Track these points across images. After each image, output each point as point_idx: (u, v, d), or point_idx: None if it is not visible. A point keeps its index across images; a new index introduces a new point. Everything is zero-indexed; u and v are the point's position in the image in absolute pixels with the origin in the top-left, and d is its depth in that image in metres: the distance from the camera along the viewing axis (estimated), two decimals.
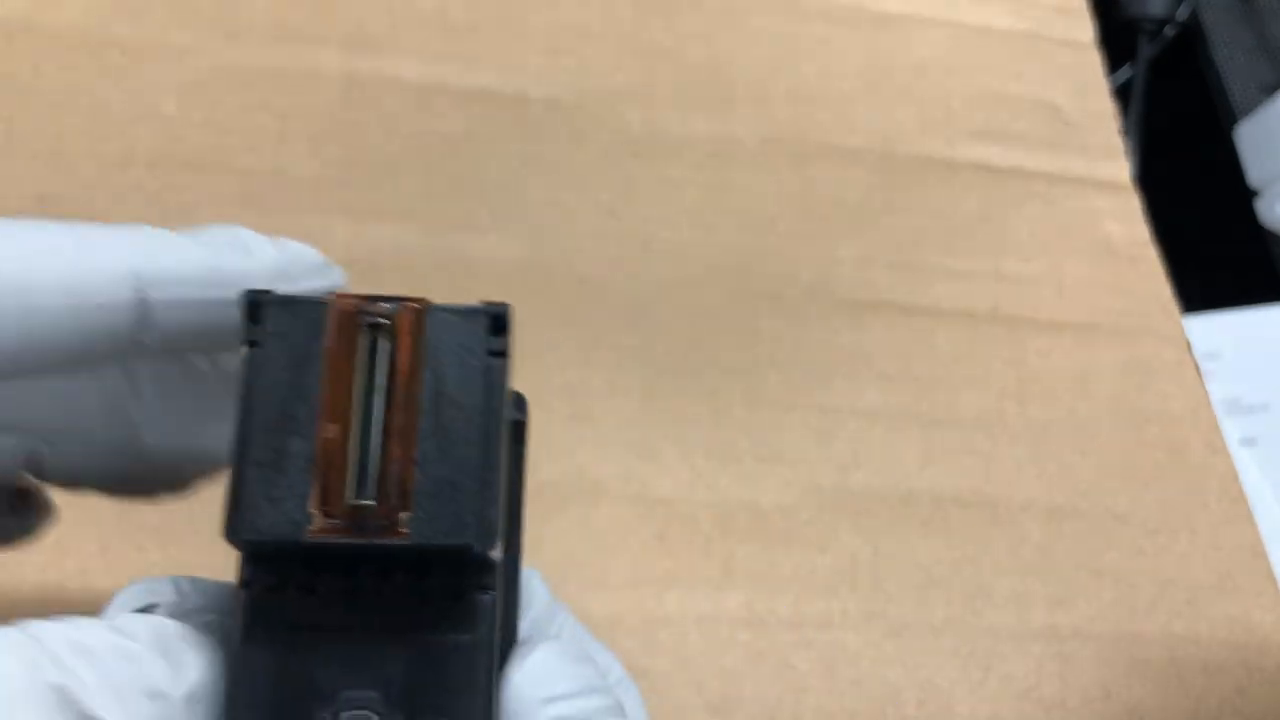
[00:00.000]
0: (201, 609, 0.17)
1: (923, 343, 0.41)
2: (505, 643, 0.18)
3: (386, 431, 0.16)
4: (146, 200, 0.38)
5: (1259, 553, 0.39)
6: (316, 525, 0.15)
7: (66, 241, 0.18)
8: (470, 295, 0.42)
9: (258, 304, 0.16)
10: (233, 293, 0.18)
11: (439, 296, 0.18)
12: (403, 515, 0.16)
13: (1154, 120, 0.54)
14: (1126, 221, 0.46)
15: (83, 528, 0.32)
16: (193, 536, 0.32)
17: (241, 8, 0.43)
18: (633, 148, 0.43)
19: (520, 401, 0.20)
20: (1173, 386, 0.42)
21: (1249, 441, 0.45)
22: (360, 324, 0.16)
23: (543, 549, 0.34)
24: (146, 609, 0.17)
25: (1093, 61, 0.51)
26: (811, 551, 0.36)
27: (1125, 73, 0.55)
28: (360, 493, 0.16)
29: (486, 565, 0.17)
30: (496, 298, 0.37)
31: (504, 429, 0.16)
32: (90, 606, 0.19)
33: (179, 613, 0.17)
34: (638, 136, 0.44)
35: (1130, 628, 0.37)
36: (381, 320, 0.16)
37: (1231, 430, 0.41)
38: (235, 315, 0.17)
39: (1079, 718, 0.35)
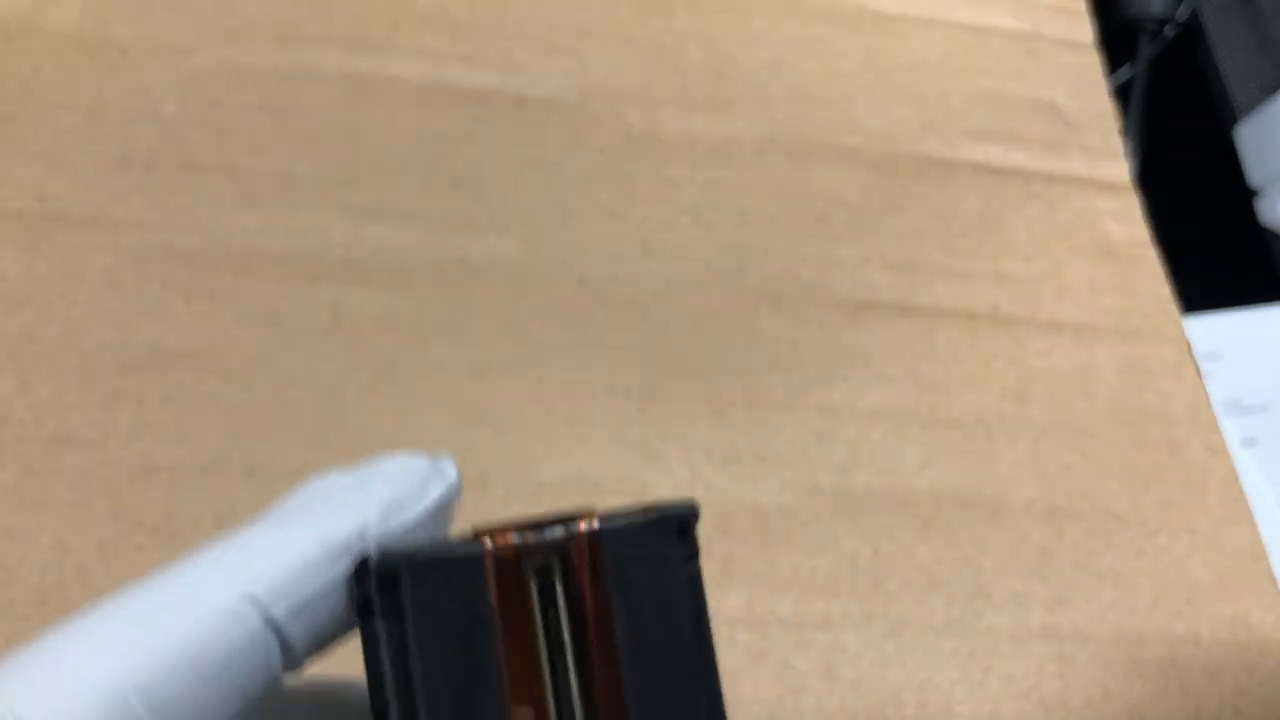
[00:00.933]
0: None
1: (922, 343, 0.41)
2: None
3: (589, 698, 0.13)
4: (146, 201, 0.38)
5: (1259, 553, 0.39)
6: None
7: (168, 604, 0.15)
8: (469, 294, 0.42)
9: (392, 575, 0.13)
10: (349, 558, 0.16)
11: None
12: None
13: (1154, 120, 0.54)
14: (1126, 222, 0.46)
15: (83, 528, 0.32)
16: (194, 537, 0.32)
17: (241, 7, 0.43)
18: (633, 147, 0.43)
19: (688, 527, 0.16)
20: (1173, 387, 0.42)
21: (1249, 442, 0.45)
22: (526, 570, 0.13)
23: None
24: None
25: (1093, 62, 0.51)
26: (811, 552, 0.36)
27: (1125, 73, 0.55)
28: None
29: None
30: (495, 297, 0.37)
31: (713, 644, 0.14)
32: None
33: None
34: (638, 136, 0.44)
35: (1130, 628, 0.37)
36: (552, 561, 0.13)
37: (1231, 431, 0.41)
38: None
39: (1079, 718, 0.35)
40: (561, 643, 0.13)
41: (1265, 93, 0.54)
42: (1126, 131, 0.50)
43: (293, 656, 0.16)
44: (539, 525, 0.14)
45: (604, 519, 0.14)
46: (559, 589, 0.13)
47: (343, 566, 0.16)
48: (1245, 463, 0.41)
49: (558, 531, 0.13)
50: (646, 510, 0.14)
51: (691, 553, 0.14)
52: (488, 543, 0.13)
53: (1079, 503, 0.39)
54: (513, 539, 0.13)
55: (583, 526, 0.14)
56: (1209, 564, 0.38)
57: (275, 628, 0.15)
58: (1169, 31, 0.56)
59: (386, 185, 0.40)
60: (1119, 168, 0.47)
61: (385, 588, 0.13)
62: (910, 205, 0.44)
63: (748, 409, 0.38)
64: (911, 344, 0.41)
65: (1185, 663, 0.36)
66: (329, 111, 0.41)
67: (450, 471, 0.18)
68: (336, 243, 0.39)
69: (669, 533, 0.14)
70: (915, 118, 0.47)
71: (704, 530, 0.35)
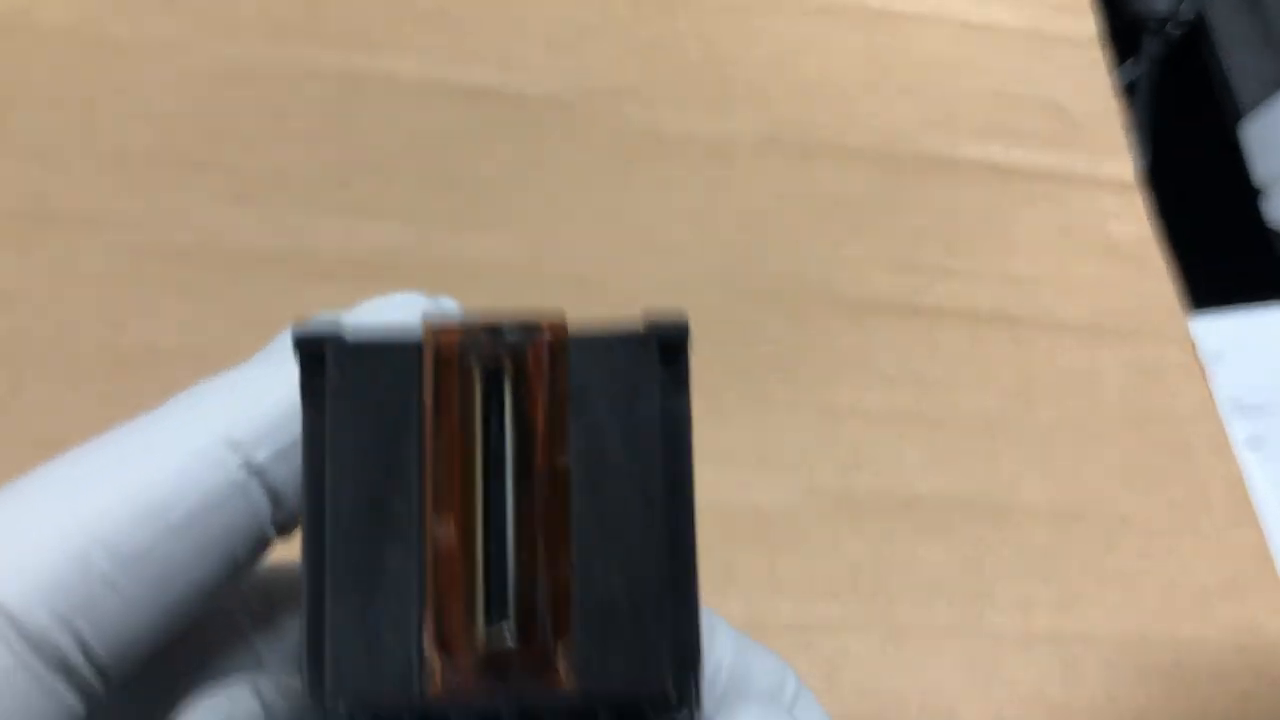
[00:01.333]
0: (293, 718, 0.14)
1: (925, 343, 0.41)
2: None
3: (524, 525, 0.11)
4: (141, 199, 0.38)
5: (1265, 556, 0.38)
6: (437, 677, 0.11)
7: (135, 453, 0.14)
8: (467, 293, 0.42)
9: (316, 355, 0.12)
10: None
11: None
12: (559, 652, 0.11)
13: (1159, 118, 0.53)
14: (1132, 220, 0.45)
15: None
16: None
17: (237, 5, 0.43)
18: (632, 146, 0.43)
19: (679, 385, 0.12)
20: (1178, 388, 0.41)
21: (1255, 440, 0.45)
22: (471, 368, 0.11)
23: None
24: None
25: (1097, 59, 0.50)
26: (813, 555, 0.36)
27: (1130, 70, 0.55)
28: (495, 622, 0.11)
29: (681, 713, 0.12)
30: (495, 298, 0.36)
31: (694, 504, 0.12)
32: None
33: None
34: (637, 135, 0.43)
35: (1136, 631, 0.36)
36: (501, 363, 0.11)
37: (1237, 429, 0.41)
38: None
39: None
40: (501, 458, 0.11)
41: (1271, 90, 0.54)
42: (1131, 129, 0.49)
43: (285, 510, 0.14)
44: (495, 326, 0.12)
45: (575, 328, 0.12)
46: (507, 399, 0.11)
47: None
48: (1250, 461, 0.41)
49: (514, 335, 0.11)
50: (628, 324, 0.12)
51: (678, 381, 0.12)
52: (430, 334, 0.11)
53: (1084, 505, 0.38)
54: (459, 336, 0.11)
55: (545, 334, 0.11)
56: (1215, 567, 0.38)
57: (259, 474, 0.14)
58: (1174, 29, 0.56)
59: (383, 184, 0.40)
60: (1124, 166, 0.47)
61: (310, 370, 0.12)
62: (913, 204, 0.44)
63: (748, 410, 0.38)
64: (914, 344, 0.40)
65: (1191, 666, 0.36)
66: (325, 109, 0.41)
67: (450, 307, 0.17)
68: (333, 242, 0.38)
69: (645, 352, 0.11)
70: (918, 116, 0.47)
71: (704, 534, 0.35)
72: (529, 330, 0.11)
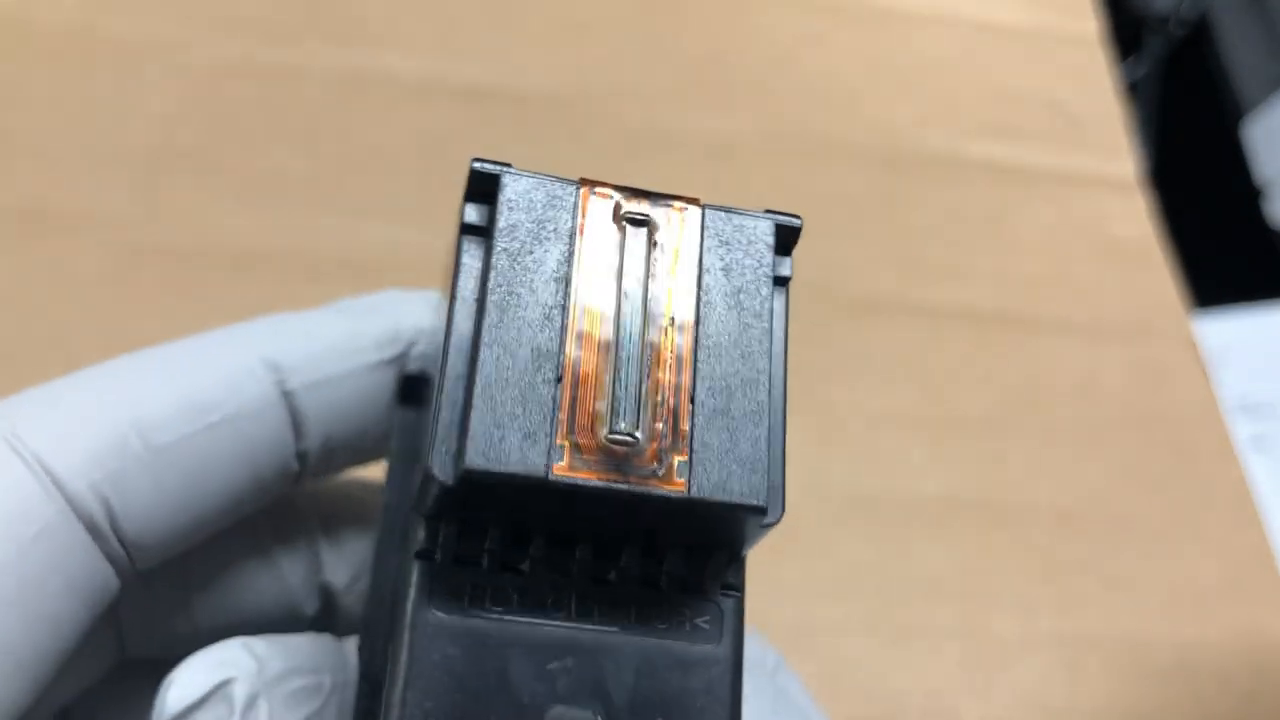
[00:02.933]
0: (286, 674, 0.15)
1: (928, 343, 0.40)
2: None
3: (657, 355, 0.12)
4: (138, 199, 0.38)
5: (1268, 557, 0.38)
6: (565, 462, 0.12)
7: (181, 356, 0.15)
8: None
9: (491, 175, 0.13)
10: (381, 355, 0.15)
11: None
12: (677, 460, 0.12)
13: (1162, 117, 0.53)
14: (1134, 220, 0.45)
15: None
16: None
17: (235, 4, 0.43)
18: (633, 144, 0.43)
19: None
20: (1181, 388, 0.41)
21: (1258, 439, 0.45)
22: (620, 217, 0.13)
23: None
24: (220, 685, 0.14)
25: (1100, 58, 0.50)
26: (816, 556, 0.35)
27: (1133, 69, 0.54)
28: (622, 423, 0.12)
29: (736, 557, 0.13)
30: None
31: (787, 373, 0.13)
32: None
33: (262, 685, 0.14)
34: (638, 133, 0.43)
35: (1139, 633, 0.36)
36: (645, 215, 0.13)
37: (1240, 429, 0.41)
38: (388, 385, 0.15)
39: None
40: (642, 289, 0.13)
41: (1273, 89, 0.54)
42: (1134, 129, 0.49)
43: (305, 441, 0.15)
44: (645, 191, 0.13)
45: (713, 206, 0.14)
46: (649, 249, 0.13)
47: (371, 358, 0.15)
48: (1253, 460, 0.41)
49: (660, 199, 0.13)
50: (755, 211, 0.14)
51: (784, 276, 0.14)
52: (589, 183, 0.13)
53: (1087, 506, 0.38)
54: (614, 189, 0.13)
55: (685, 201, 0.13)
56: (1218, 568, 0.38)
57: (290, 400, 0.15)
58: (1176, 28, 0.55)
59: (383, 183, 0.40)
60: (1127, 165, 0.47)
61: (482, 192, 0.13)
62: (915, 203, 0.44)
63: None
64: (917, 344, 0.40)
65: (1194, 667, 0.36)
66: (324, 109, 0.41)
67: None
68: (332, 241, 0.38)
69: (764, 237, 0.14)
70: (920, 115, 0.46)
71: None
72: (673, 197, 0.13)
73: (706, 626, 0.13)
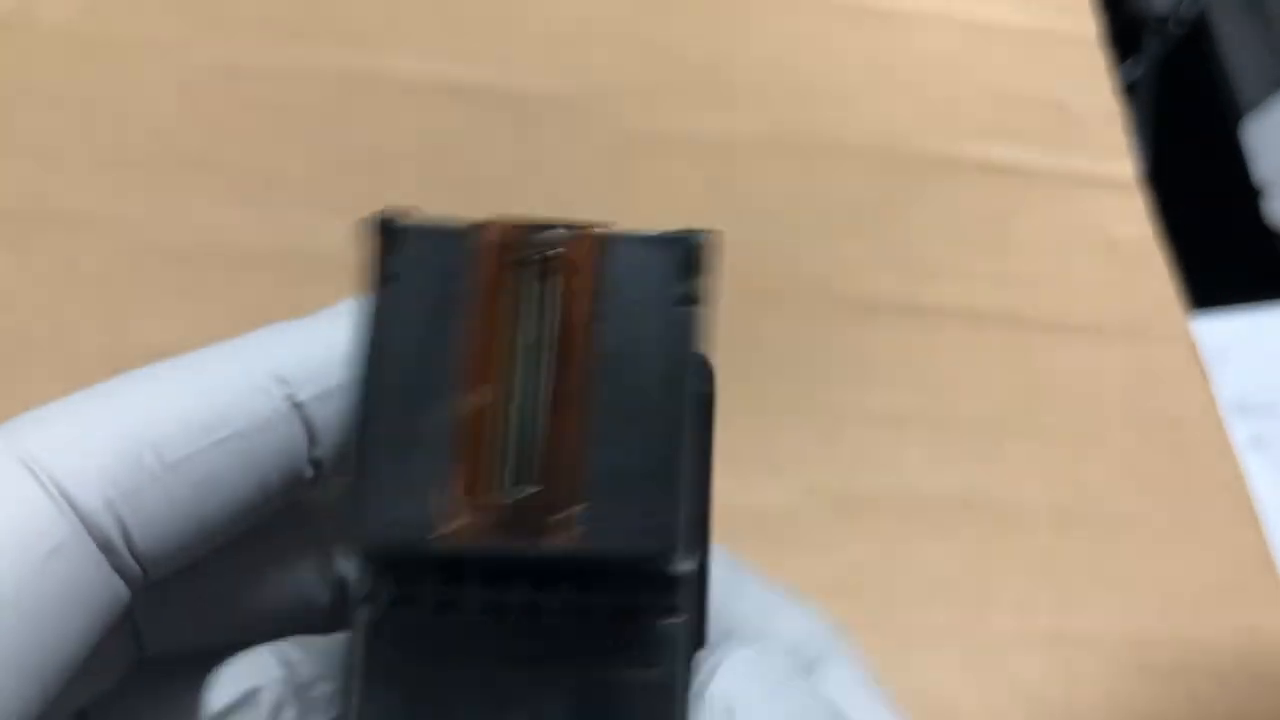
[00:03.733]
0: (319, 678, 0.15)
1: (927, 344, 0.41)
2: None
3: (553, 399, 0.12)
4: (141, 199, 0.38)
5: (1267, 558, 0.38)
6: (461, 523, 0.12)
7: (191, 373, 0.16)
8: None
9: (395, 230, 0.13)
10: None
11: None
12: (574, 511, 0.12)
13: (1160, 118, 0.53)
14: (1133, 220, 0.45)
15: None
16: None
17: (236, 4, 0.43)
18: (632, 145, 0.43)
19: (705, 369, 0.15)
20: (1180, 389, 0.41)
21: (1256, 440, 0.45)
22: (520, 259, 0.13)
23: None
24: (250, 693, 0.14)
25: (1098, 58, 0.50)
26: (815, 556, 0.36)
27: (1131, 70, 0.55)
28: (518, 480, 0.12)
29: (674, 580, 0.13)
30: None
31: (690, 402, 0.13)
32: None
33: (290, 691, 0.14)
34: (638, 134, 0.43)
35: (1138, 633, 0.36)
36: (548, 253, 0.13)
37: (1238, 430, 0.41)
38: None
39: None
40: (536, 340, 0.12)
41: (1272, 89, 0.54)
42: (1132, 129, 0.49)
43: (320, 447, 0.15)
44: (549, 225, 0.13)
45: (618, 234, 0.13)
46: (545, 287, 0.13)
47: None
48: (1252, 461, 0.41)
49: (564, 232, 0.13)
50: (661, 232, 0.13)
51: (690, 295, 0.13)
52: (488, 226, 0.13)
53: (1086, 506, 0.38)
54: (513, 231, 0.13)
55: (591, 232, 0.13)
56: (1217, 569, 0.38)
57: (300, 409, 0.15)
58: (1175, 28, 0.55)
59: (383, 183, 0.40)
60: (1125, 166, 0.47)
61: (388, 246, 0.13)
62: (914, 204, 0.44)
63: (749, 411, 0.38)
64: (916, 345, 0.40)
65: (1193, 668, 0.36)
66: (325, 109, 0.41)
67: None
68: (332, 242, 0.38)
69: (669, 260, 0.13)
70: (919, 115, 0.46)
71: None
72: (576, 229, 0.13)
73: (644, 654, 0.13)
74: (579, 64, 0.44)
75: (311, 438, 0.16)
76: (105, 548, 0.14)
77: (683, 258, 0.13)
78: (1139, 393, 0.41)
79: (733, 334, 0.39)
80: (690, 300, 0.13)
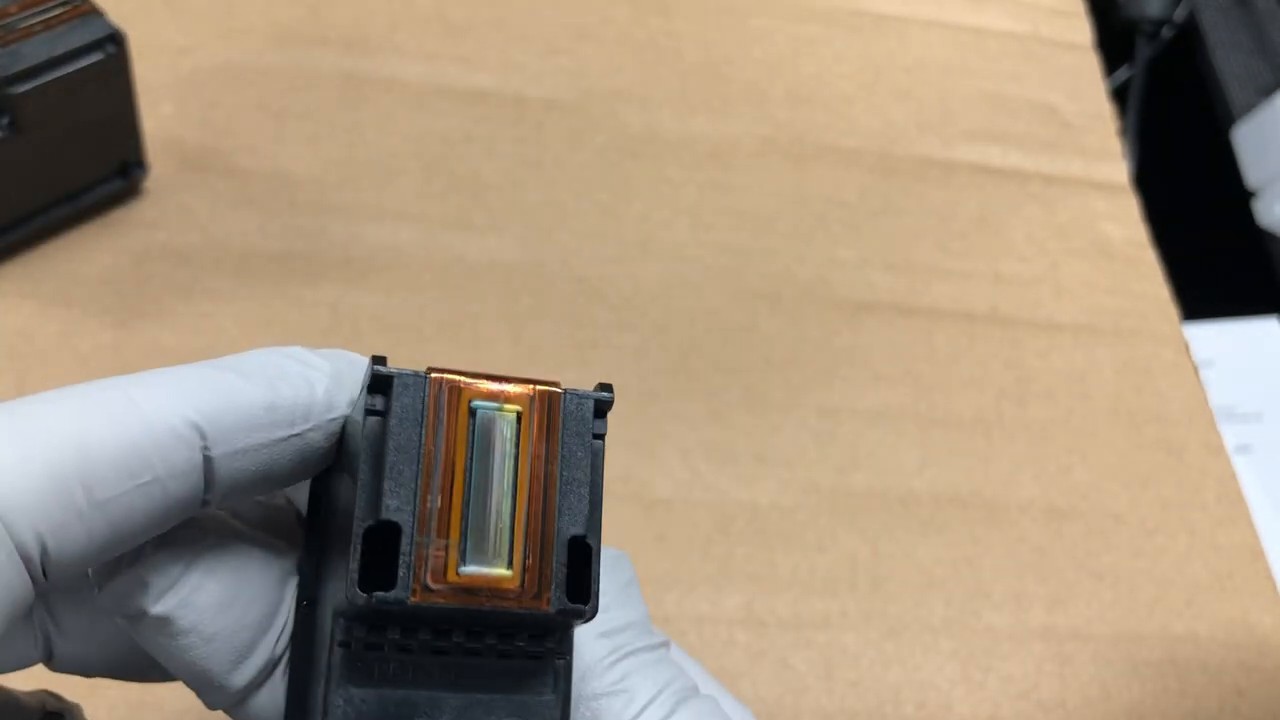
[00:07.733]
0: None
1: (921, 343, 0.41)
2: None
3: (512, 501, 0.17)
4: (144, 201, 0.38)
5: (1257, 554, 0.39)
6: (427, 593, 0.16)
7: (123, 406, 0.17)
8: (467, 293, 0.42)
9: (386, 378, 0.17)
10: (292, 430, 0.18)
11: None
12: (515, 581, 0.17)
13: (1151, 121, 0.54)
14: (1124, 222, 0.46)
15: None
16: None
17: (239, 8, 0.43)
18: (631, 148, 0.43)
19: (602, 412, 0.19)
20: (1170, 387, 0.42)
21: (1243, 449, 0.45)
22: (456, 402, 0.17)
23: None
24: None
25: (1090, 63, 0.51)
26: (810, 552, 0.36)
27: (1123, 74, 0.55)
28: (478, 559, 0.16)
29: (569, 632, 0.18)
30: (494, 297, 0.38)
31: (601, 507, 0.18)
32: None
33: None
34: (636, 137, 0.44)
35: (1129, 628, 0.37)
36: (508, 408, 0.17)
37: (1226, 438, 0.41)
38: (290, 454, 0.17)
39: (1078, 718, 0.35)
40: (501, 483, 0.17)
41: (1262, 94, 0.54)
42: (1124, 132, 0.50)
43: (211, 493, 0.17)
44: (507, 379, 0.17)
45: (565, 391, 0.18)
46: (503, 432, 0.17)
47: (282, 433, 0.18)
48: (1239, 464, 0.41)
49: (520, 388, 0.17)
50: (583, 391, 0.18)
51: (600, 433, 0.18)
52: (437, 379, 0.17)
53: (1077, 503, 0.39)
54: (456, 381, 0.17)
55: (545, 391, 0.17)
56: (1208, 564, 0.38)
57: (209, 464, 0.17)
58: (1166, 33, 0.56)
59: (385, 185, 0.40)
60: (1117, 169, 0.47)
61: (379, 388, 0.17)
62: (908, 206, 0.44)
63: (746, 409, 0.38)
64: (910, 344, 0.41)
65: (1184, 663, 0.36)
66: (327, 112, 0.41)
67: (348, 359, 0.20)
68: (335, 243, 0.39)
69: (589, 407, 0.18)
70: (913, 119, 0.47)
71: (704, 530, 0.35)
72: (518, 381, 0.17)
73: (546, 683, 0.18)
74: (578, 68, 0.45)
75: (209, 486, 0.17)
76: (25, 561, 0.16)
77: (597, 407, 0.18)
78: (1130, 391, 0.41)
79: (730, 333, 0.40)
80: (599, 437, 0.18)
